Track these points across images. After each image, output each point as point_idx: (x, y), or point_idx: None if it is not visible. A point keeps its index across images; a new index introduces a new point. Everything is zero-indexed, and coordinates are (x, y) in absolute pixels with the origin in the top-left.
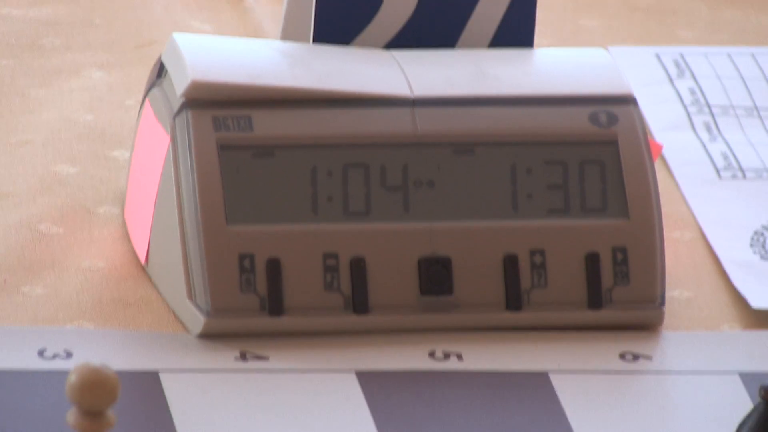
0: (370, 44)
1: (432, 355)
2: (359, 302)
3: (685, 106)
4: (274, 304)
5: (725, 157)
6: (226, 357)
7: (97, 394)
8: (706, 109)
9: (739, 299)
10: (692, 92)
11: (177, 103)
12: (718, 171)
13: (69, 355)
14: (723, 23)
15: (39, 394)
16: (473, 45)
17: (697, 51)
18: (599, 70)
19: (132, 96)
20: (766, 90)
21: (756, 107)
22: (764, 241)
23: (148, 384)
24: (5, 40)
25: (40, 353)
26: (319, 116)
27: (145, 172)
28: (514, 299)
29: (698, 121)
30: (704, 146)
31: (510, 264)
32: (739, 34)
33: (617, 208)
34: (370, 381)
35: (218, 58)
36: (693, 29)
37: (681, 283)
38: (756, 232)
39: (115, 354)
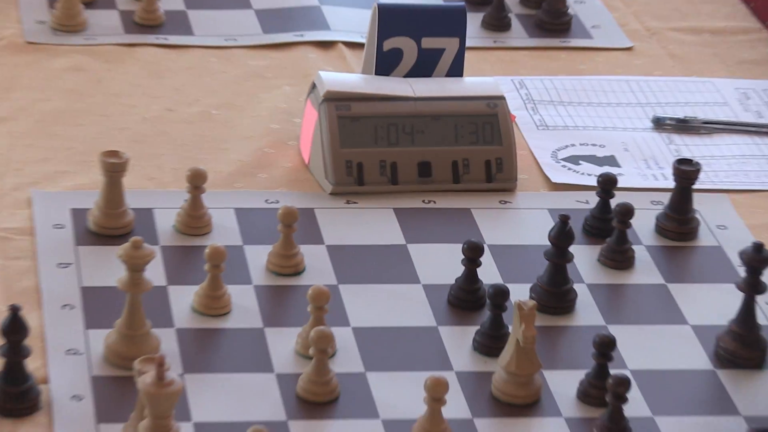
0: (397, 75)
1: (424, 201)
2: (393, 180)
3: (523, 101)
4: (360, 181)
5: (540, 121)
6: (341, 202)
7: (289, 217)
8: (532, 102)
9: (547, 179)
10: (527, 95)
11: (320, 99)
12: (537, 127)
13: (277, 201)
14: (541, 66)
15: (267, 222)
16: (438, 75)
17: (529, 78)
18: (489, 86)
19: (302, 96)
20: (556, 93)
21: (553, 101)
22: (557, 155)
23: (309, 214)
24: (247, 74)
25: (266, 201)
26: (378, 104)
27: (307, 127)
28: (456, 178)
29: (529, 107)
30: (531, 117)
31: (454, 164)
32: (549, 71)
33: (498, 141)
34: (399, 212)
35: (336, 80)
36: (527, 69)
37: (523, 171)
38: (553, 151)
39: (296, 201)
